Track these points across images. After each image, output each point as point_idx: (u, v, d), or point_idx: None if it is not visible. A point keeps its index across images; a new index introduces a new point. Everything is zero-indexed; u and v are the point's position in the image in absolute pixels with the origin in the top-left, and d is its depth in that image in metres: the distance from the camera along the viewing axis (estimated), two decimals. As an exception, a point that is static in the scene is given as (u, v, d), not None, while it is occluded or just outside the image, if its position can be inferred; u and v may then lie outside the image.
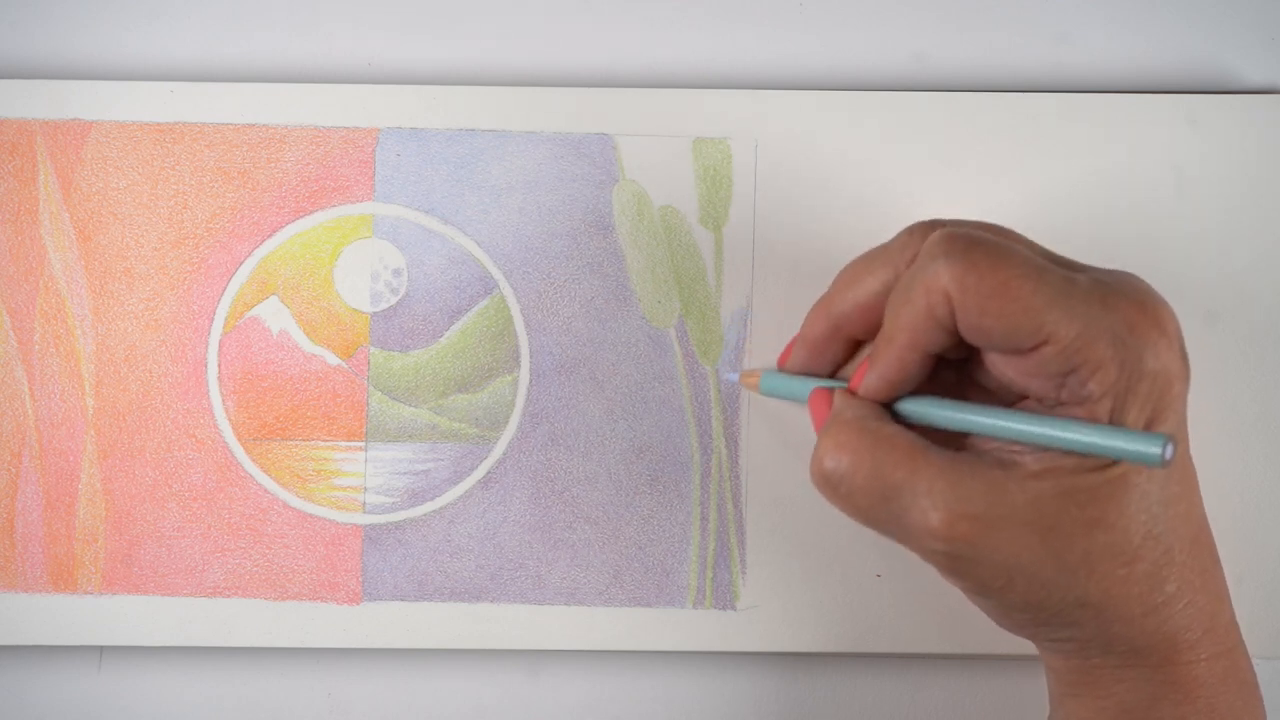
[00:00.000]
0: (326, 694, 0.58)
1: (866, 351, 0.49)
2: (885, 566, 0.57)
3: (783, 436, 0.57)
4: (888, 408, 0.47)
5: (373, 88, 0.58)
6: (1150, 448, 0.41)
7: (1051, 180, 0.58)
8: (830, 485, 0.46)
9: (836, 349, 0.50)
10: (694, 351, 0.58)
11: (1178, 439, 0.43)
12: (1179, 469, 0.44)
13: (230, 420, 0.57)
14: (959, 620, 0.57)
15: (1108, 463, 0.43)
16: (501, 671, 0.58)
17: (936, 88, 0.59)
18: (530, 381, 0.57)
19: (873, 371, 0.46)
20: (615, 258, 0.58)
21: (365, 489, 0.57)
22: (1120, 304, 0.42)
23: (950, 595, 0.57)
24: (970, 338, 0.44)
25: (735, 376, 0.57)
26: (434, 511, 0.57)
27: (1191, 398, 0.55)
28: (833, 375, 0.50)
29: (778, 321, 0.57)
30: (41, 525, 0.57)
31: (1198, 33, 0.60)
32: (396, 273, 0.58)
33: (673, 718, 0.58)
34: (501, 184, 0.58)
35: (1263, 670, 0.58)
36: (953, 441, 0.46)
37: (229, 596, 0.57)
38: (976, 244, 0.43)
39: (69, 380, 0.57)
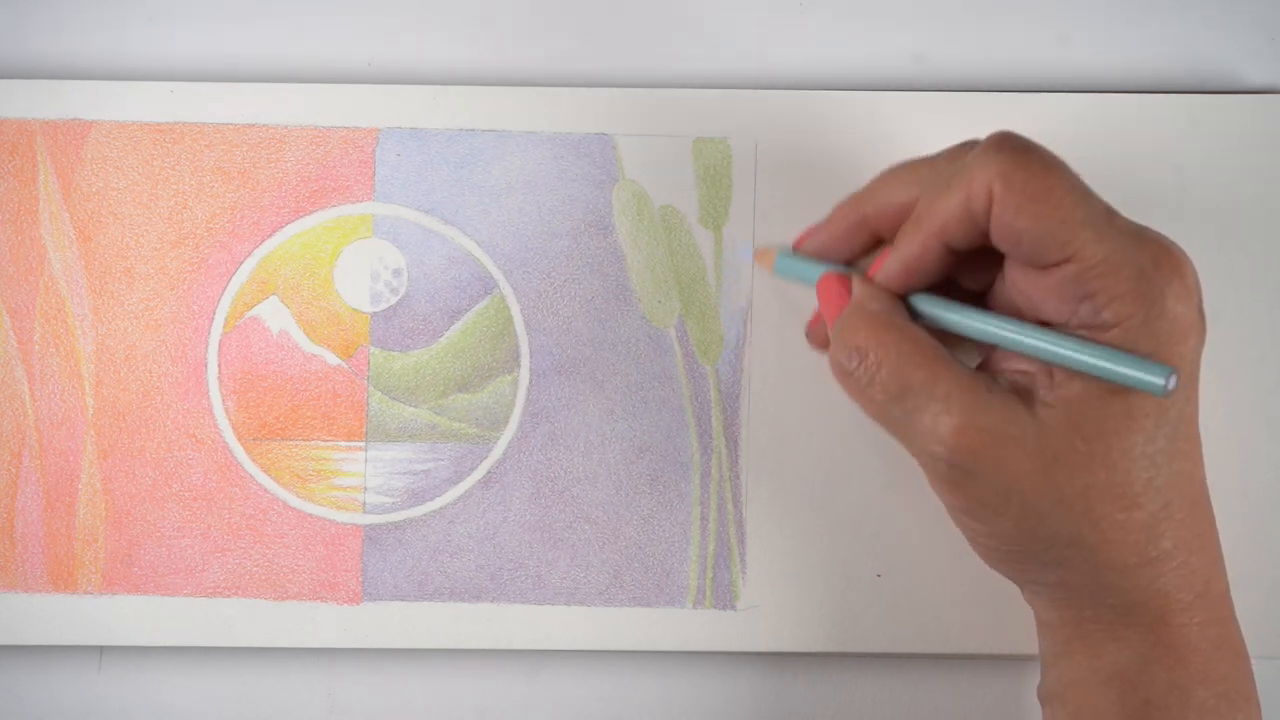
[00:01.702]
0: (326, 694, 0.58)
1: (886, 249, 0.49)
2: (885, 566, 0.57)
3: (783, 437, 0.57)
4: (905, 305, 0.47)
5: (373, 88, 0.58)
6: (1154, 376, 0.42)
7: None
8: (848, 374, 0.46)
9: (858, 241, 0.50)
10: (694, 351, 0.58)
11: (1188, 393, 0.44)
12: (1186, 428, 0.44)
13: (230, 420, 0.57)
14: (959, 620, 0.57)
15: (1117, 392, 0.43)
16: (501, 671, 0.58)
17: (936, 88, 0.59)
18: (530, 381, 0.57)
19: (895, 256, 0.47)
20: (615, 258, 0.58)
21: (365, 489, 0.57)
22: (1150, 245, 0.43)
23: (950, 595, 0.57)
24: (999, 238, 0.44)
25: (749, 252, 0.57)
26: (434, 511, 0.57)
27: (1191, 398, 0.55)
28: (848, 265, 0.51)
29: (778, 321, 0.57)
30: (41, 525, 0.57)
31: (1198, 33, 0.59)
32: (396, 273, 0.58)
33: (673, 718, 0.58)
34: (501, 184, 0.58)
35: (1263, 670, 0.58)
36: (972, 363, 0.46)
37: (229, 596, 0.57)
38: (1031, 148, 0.44)
39: (69, 380, 0.57)
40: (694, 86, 0.58)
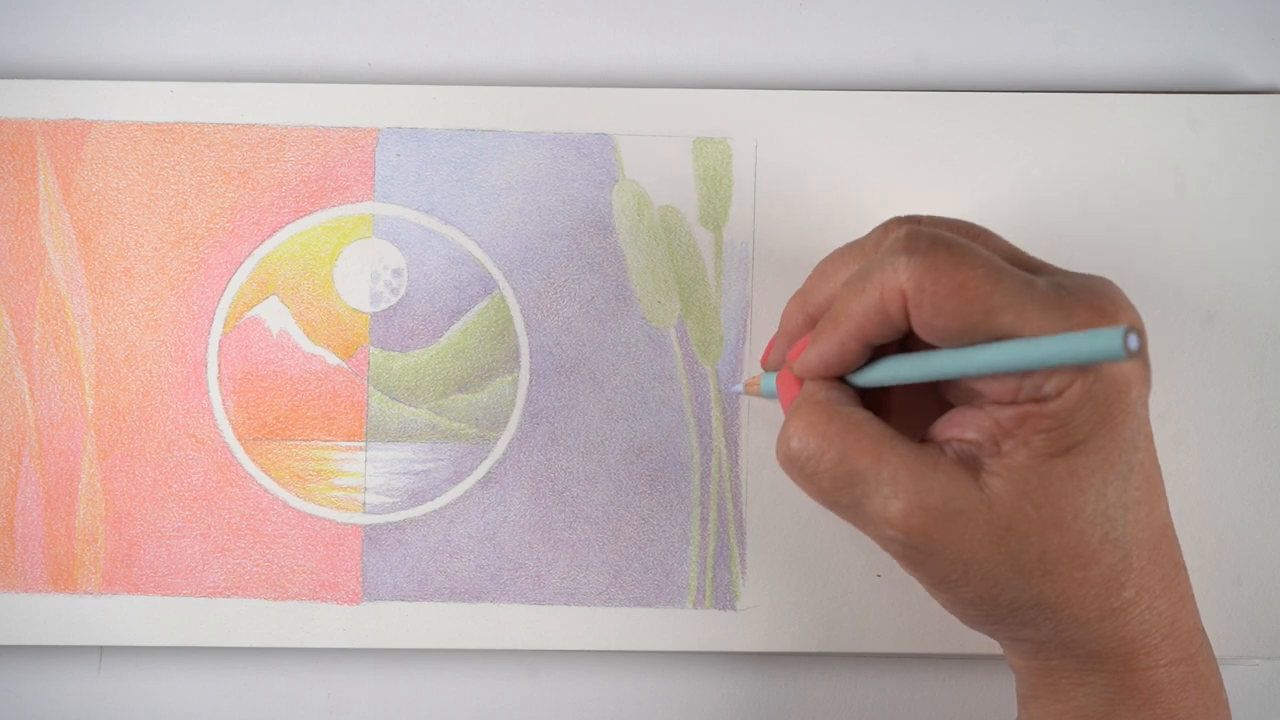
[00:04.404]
0: (326, 694, 0.58)
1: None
2: (885, 566, 0.57)
3: (783, 436, 0.57)
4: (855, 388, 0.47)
5: (373, 88, 0.58)
6: (1110, 343, 0.39)
7: (1051, 180, 0.58)
8: (796, 465, 0.46)
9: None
10: (694, 351, 0.58)
11: (1136, 442, 0.43)
12: (1139, 476, 0.44)
13: (230, 420, 0.57)
14: (959, 620, 0.57)
15: (1060, 455, 0.43)
16: (501, 671, 0.58)
17: (936, 88, 0.59)
18: (530, 381, 0.57)
19: (813, 349, 0.46)
20: (615, 258, 0.58)
21: (365, 489, 0.57)
22: (1077, 308, 0.42)
23: (950, 595, 0.57)
24: (925, 335, 0.44)
25: (741, 388, 0.57)
26: (434, 511, 0.57)
27: (1191, 398, 0.55)
28: None
29: (777, 321, 0.57)
30: (41, 525, 0.57)
31: (1198, 33, 0.60)
32: (396, 273, 0.58)
33: (673, 718, 0.58)
34: (501, 184, 0.58)
35: (1263, 671, 0.58)
36: (916, 436, 0.46)
37: (229, 596, 0.57)
38: (938, 244, 0.43)
39: (69, 380, 0.57)
40: (694, 86, 0.58)
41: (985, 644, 0.57)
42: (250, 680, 0.58)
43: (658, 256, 0.58)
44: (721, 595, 0.57)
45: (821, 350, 0.46)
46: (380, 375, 0.57)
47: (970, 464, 0.44)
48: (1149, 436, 0.44)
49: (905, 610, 0.57)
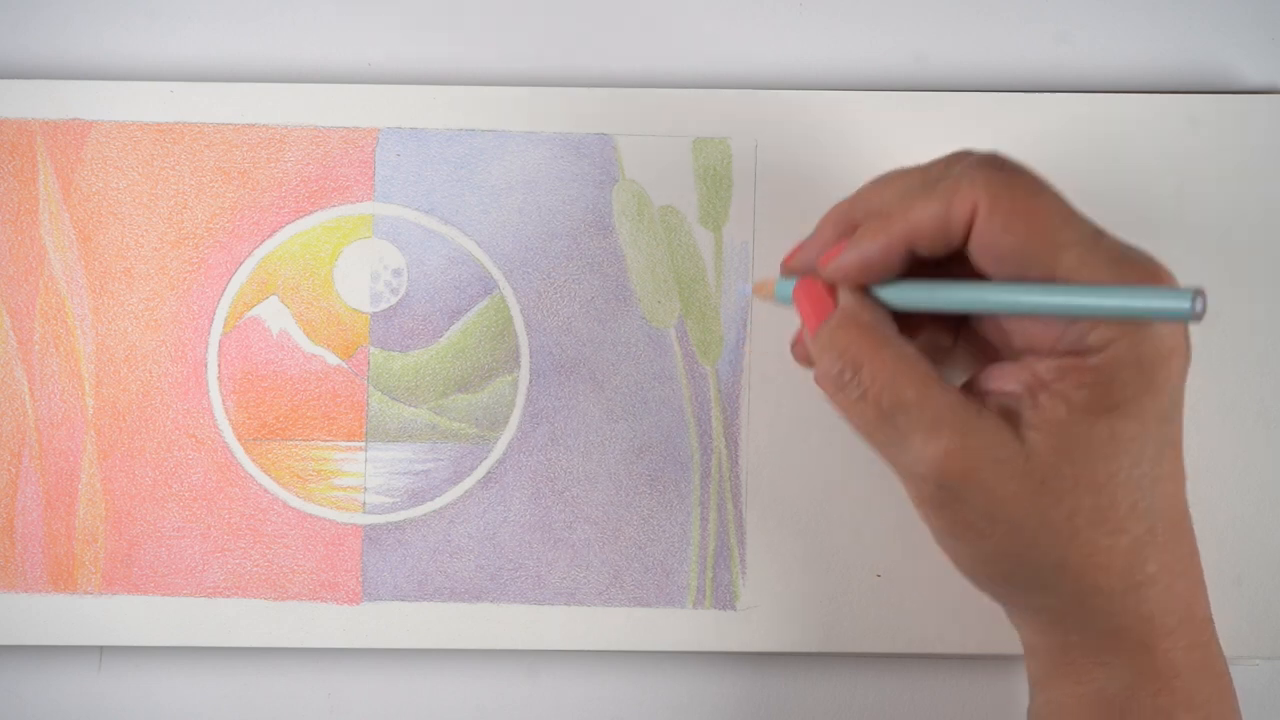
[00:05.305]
0: (326, 694, 0.58)
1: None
2: (885, 566, 0.57)
3: (783, 436, 0.57)
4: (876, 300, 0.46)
5: (373, 88, 0.58)
6: (1178, 302, 0.39)
7: (1051, 180, 0.57)
8: (838, 388, 0.45)
9: None
10: (694, 351, 0.58)
11: (1172, 416, 0.43)
12: (1170, 451, 0.44)
13: (230, 420, 0.57)
14: (959, 620, 0.57)
15: (1102, 415, 0.43)
16: (501, 671, 0.58)
17: (936, 88, 0.59)
18: (530, 381, 0.57)
19: (852, 249, 0.45)
20: (615, 258, 0.58)
21: (365, 489, 0.57)
22: (1137, 267, 0.42)
23: (950, 595, 0.57)
24: (979, 254, 0.43)
25: (749, 290, 0.56)
26: (434, 511, 0.57)
27: (1191, 398, 0.55)
28: None
29: (778, 322, 0.57)
30: (41, 525, 0.57)
31: (1198, 33, 0.60)
32: (396, 273, 0.58)
33: (672, 718, 0.58)
34: (501, 184, 0.58)
35: (1264, 670, 0.58)
36: (958, 382, 0.46)
37: (229, 596, 0.57)
38: (1021, 170, 0.44)
39: (69, 380, 0.57)
40: (694, 86, 0.58)
41: (985, 644, 0.57)
42: (250, 680, 0.58)
43: (658, 256, 0.58)
44: (721, 595, 0.57)
45: (864, 250, 0.45)
46: (380, 375, 0.57)
47: (1011, 416, 0.44)
48: (1182, 414, 0.44)
49: (905, 610, 0.57)
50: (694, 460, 0.57)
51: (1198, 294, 0.39)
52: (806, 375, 0.57)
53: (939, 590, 0.57)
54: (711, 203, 0.58)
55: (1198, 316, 0.40)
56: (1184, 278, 0.52)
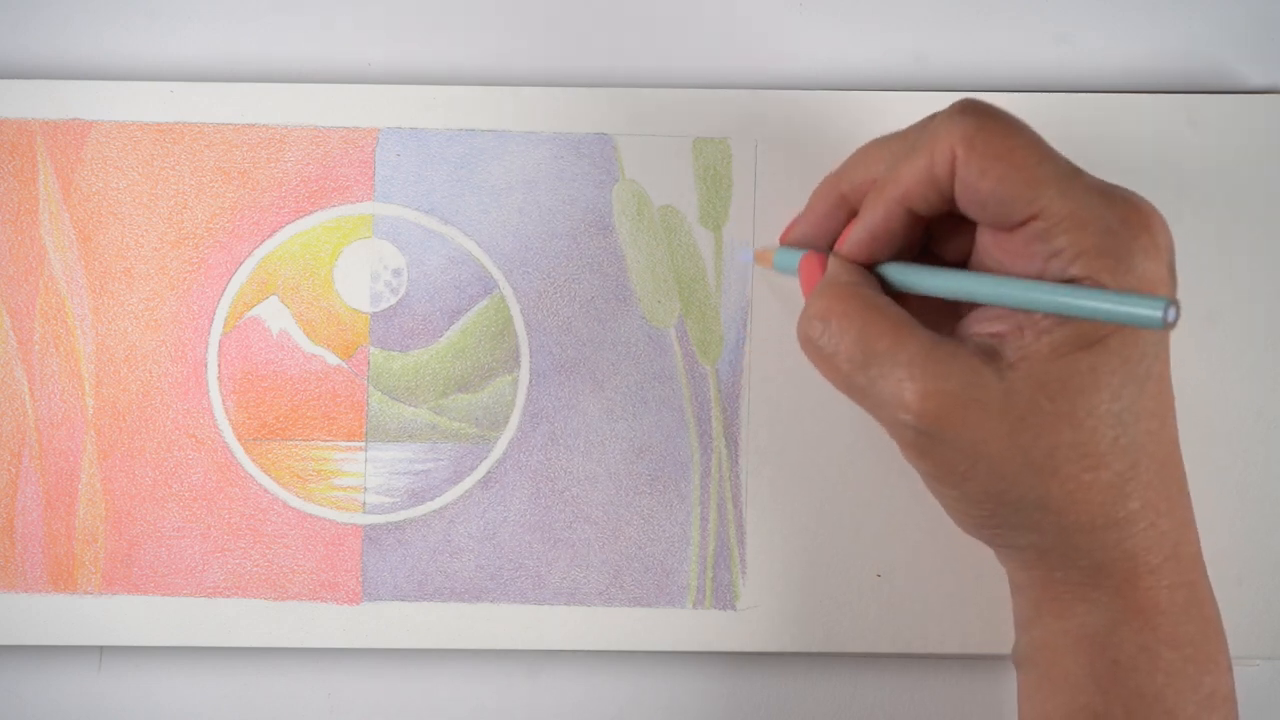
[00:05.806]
0: (326, 694, 0.58)
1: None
2: (885, 566, 0.57)
3: (783, 436, 0.57)
4: (878, 279, 0.47)
5: (373, 88, 0.58)
6: (1150, 310, 0.41)
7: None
8: (814, 344, 0.46)
9: (839, 222, 0.50)
10: (694, 351, 0.58)
11: (1157, 350, 0.43)
12: (1154, 386, 0.44)
13: (230, 420, 0.57)
14: (959, 620, 0.57)
15: (1082, 349, 0.43)
16: (501, 671, 0.58)
17: (936, 88, 0.59)
18: (530, 381, 0.57)
19: (860, 224, 0.47)
20: (615, 258, 0.58)
21: (365, 489, 0.57)
22: (1118, 202, 0.43)
23: (950, 595, 0.57)
24: (964, 202, 0.44)
25: (750, 257, 0.57)
26: (434, 511, 0.57)
27: (1192, 397, 0.55)
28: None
29: (778, 322, 0.57)
30: (41, 525, 0.57)
31: (1198, 33, 0.60)
32: (396, 273, 0.58)
33: (672, 718, 0.58)
34: (501, 184, 0.58)
35: (1264, 670, 0.58)
36: (937, 329, 0.46)
37: (229, 596, 0.57)
38: (993, 111, 0.44)
39: (69, 380, 0.57)
40: (694, 86, 0.58)
41: (985, 644, 0.57)
42: (250, 680, 0.58)
43: (658, 256, 0.58)
44: (721, 595, 0.57)
45: (867, 221, 0.47)
46: (380, 375, 0.57)
47: (990, 356, 0.44)
48: (1167, 350, 0.45)
49: (905, 610, 0.57)
50: (694, 460, 0.57)
51: (1169, 305, 0.40)
52: (807, 375, 0.57)
53: (939, 590, 0.57)
54: (711, 203, 0.58)
55: (1169, 325, 0.41)
56: (1183, 277, 0.52)
